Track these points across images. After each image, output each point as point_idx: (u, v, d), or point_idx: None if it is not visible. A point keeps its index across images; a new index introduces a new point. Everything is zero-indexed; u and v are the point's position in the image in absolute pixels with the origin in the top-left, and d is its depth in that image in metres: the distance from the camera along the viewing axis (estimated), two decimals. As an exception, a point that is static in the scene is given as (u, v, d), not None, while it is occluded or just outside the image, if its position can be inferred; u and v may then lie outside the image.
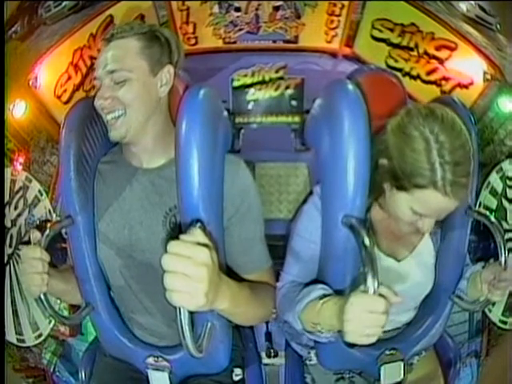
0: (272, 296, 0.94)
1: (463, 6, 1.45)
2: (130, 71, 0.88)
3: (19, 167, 1.48)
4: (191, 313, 0.64)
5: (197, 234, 0.64)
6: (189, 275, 0.60)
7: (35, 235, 0.83)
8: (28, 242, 0.83)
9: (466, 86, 1.47)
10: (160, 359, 0.94)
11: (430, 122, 0.78)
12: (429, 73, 1.51)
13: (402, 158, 0.80)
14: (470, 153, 0.80)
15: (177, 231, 0.86)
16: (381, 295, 0.68)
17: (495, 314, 1.41)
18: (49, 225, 0.84)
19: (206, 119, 0.80)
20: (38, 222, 1.44)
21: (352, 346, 0.77)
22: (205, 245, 0.62)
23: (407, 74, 1.52)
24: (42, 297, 0.84)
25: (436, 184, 0.77)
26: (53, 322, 1.46)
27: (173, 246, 0.60)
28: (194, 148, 0.78)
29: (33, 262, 0.80)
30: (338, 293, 0.83)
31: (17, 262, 1.42)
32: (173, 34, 0.95)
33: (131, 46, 0.89)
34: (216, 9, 1.59)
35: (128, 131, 0.89)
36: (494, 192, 1.43)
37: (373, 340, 0.69)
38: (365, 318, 0.67)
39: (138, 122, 0.89)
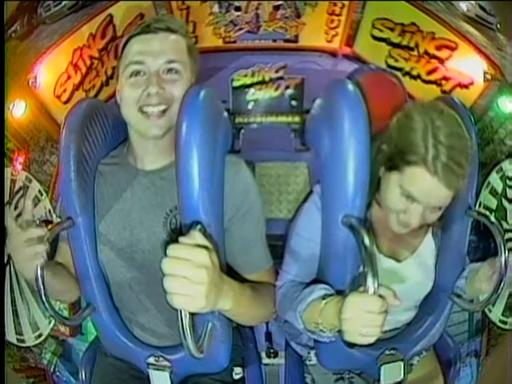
0: (274, 296, 0.94)
1: (463, 6, 1.45)
2: (184, 66, 0.86)
3: (19, 167, 1.48)
4: (192, 314, 0.64)
5: (196, 236, 0.64)
6: (188, 278, 0.60)
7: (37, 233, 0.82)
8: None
9: (466, 86, 1.47)
10: (161, 359, 0.94)
11: (431, 111, 0.83)
12: (429, 72, 1.50)
13: (400, 135, 0.84)
14: (468, 148, 0.82)
15: (177, 232, 0.86)
16: (379, 295, 0.68)
17: (495, 314, 1.41)
18: (49, 227, 0.83)
19: (206, 120, 0.79)
20: (37, 222, 1.44)
21: (352, 346, 0.77)
22: (204, 247, 0.63)
23: (407, 73, 1.52)
24: (44, 298, 0.83)
25: (426, 162, 0.79)
26: (53, 322, 1.46)
27: (172, 249, 0.61)
28: (194, 149, 0.77)
29: (30, 241, 0.76)
30: (339, 293, 0.83)
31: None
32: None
33: (182, 43, 0.88)
34: (216, 8, 1.58)
35: (169, 129, 0.85)
36: (493, 192, 1.43)
37: (371, 340, 0.69)
38: (362, 317, 0.68)
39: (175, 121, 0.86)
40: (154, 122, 0.85)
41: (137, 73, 0.86)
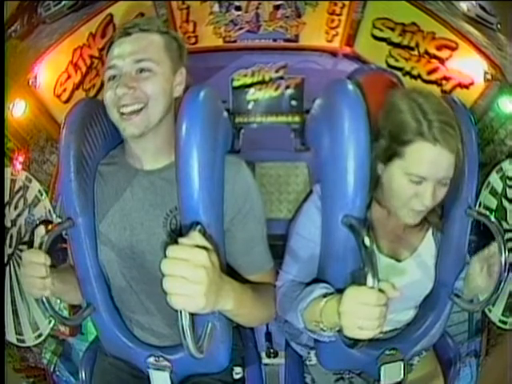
0: (275, 297, 0.94)
1: (464, 6, 1.45)
2: (157, 64, 0.87)
3: (19, 167, 1.48)
4: (192, 314, 0.64)
5: (195, 237, 0.65)
6: (187, 278, 0.60)
7: (40, 232, 0.83)
8: (29, 243, 0.83)
9: (466, 86, 1.47)
10: (161, 359, 0.94)
11: (410, 93, 0.88)
12: (429, 72, 1.50)
13: (390, 123, 0.86)
14: (451, 113, 0.86)
15: (177, 233, 0.87)
16: (378, 289, 0.69)
17: (495, 314, 1.41)
18: (50, 227, 0.83)
19: (206, 120, 0.80)
20: (37, 222, 1.44)
21: (352, 346, 0.77)
22: (203, 247, 0.63)
23: (408, 73, 1.51)
24: (44, 299, 0.83)
25: (424, 134, 0.82)
26: (53, 322, 1.46)
27: (171, 250, 0.61)
28: (194, 149, 0.77)
29: (35, 266, 0.80)
30: (340, 292, 0.83)
31: (17, 263, 1.42)
32: (183, 41, 0.95)
33: (156, 40, 0.89)
34: (216, 7, 1.58)
35: (146, 127, 0.86)
36: (493, 192, 1.43)
37: (370, 334, 0.69)
38: (358, 310, 0.68)
39: (158, 118, 0.87)
40: (131, 122, 0.86)
41: (113, 77, 0.87)
